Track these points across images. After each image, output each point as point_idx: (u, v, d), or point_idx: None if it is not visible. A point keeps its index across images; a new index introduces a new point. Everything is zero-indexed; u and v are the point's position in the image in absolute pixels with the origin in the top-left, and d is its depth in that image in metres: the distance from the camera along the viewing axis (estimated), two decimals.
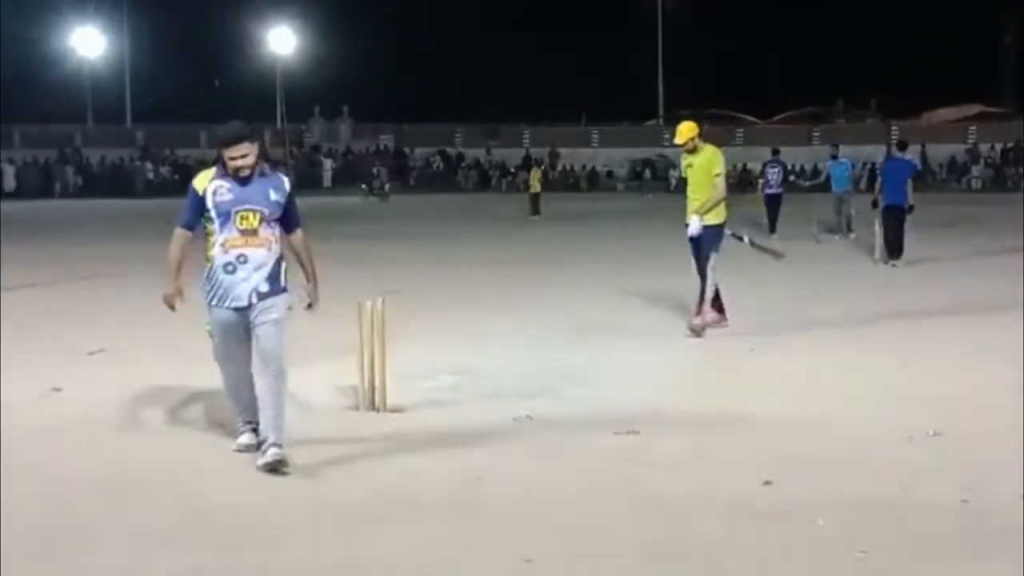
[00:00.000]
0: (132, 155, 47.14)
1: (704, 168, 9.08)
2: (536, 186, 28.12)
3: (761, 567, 4.05)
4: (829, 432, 5.92)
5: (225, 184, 5.29)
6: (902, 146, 16.19)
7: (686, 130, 9.16)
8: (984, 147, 46.10)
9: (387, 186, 40.09)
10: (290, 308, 5.42)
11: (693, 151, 9.16)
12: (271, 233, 5.35)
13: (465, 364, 7.78)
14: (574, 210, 29.00)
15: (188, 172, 46.48)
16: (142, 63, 50.15)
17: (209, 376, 7.38)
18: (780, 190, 20.07)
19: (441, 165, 48.46)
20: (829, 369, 7.74)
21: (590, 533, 4.41)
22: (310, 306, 5.59)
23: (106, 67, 51.01)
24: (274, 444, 5.21)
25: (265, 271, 5.32)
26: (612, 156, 47.85)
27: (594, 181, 46.91)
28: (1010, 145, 44.95)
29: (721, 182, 9.10)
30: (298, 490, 4.98)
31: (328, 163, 46.31)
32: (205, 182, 5.32)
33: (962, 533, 4.36)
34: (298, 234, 5.54)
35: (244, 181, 5.28)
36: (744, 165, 46.25)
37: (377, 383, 6.38)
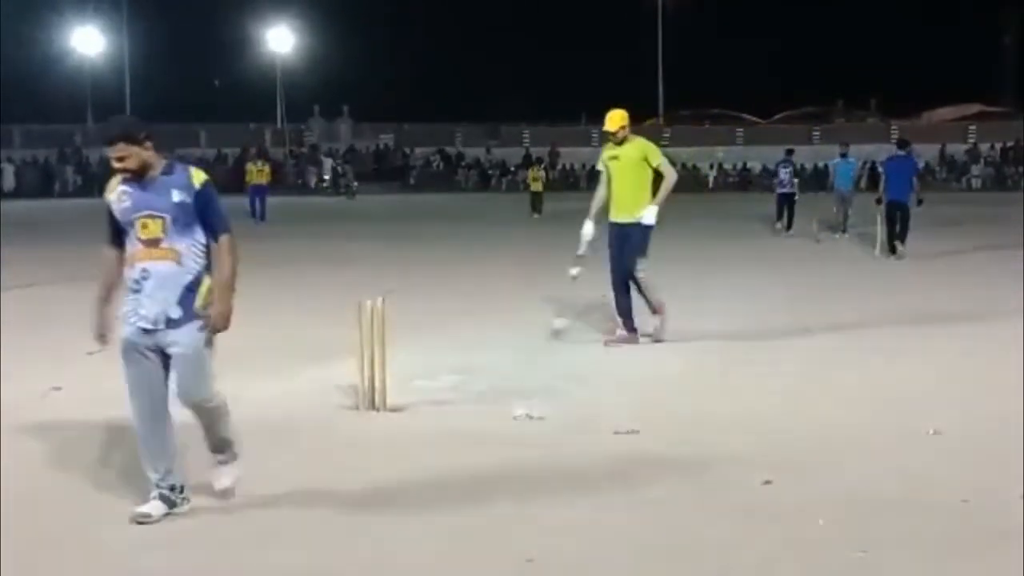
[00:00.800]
0: None
1: (635, 161, 8.51)
2: (536, 185, 27.89)
3: (761, 567, 4.05)
4: (829, 432, 5.91)
5: (127, 189, 4.51)
6: (903, 144, 16.49)
7: (618, 118, 8.55)
8: (984, 146, 46.12)
9: (355, 184, 39.71)
10: (210, 345, 4.55)
11: (621, 142, 8.60)
12: (183, 244, 4.47)
13: (465, 364, 7.77)
14: (575, 209, 28.97)
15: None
16: (142, 62, 50.22)
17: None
18: (790, 189, 20.41)
19: (441, 165, 48.50)
20: (829, 369, 7.74)
21: (590, 533, 4.40)
22: (209, 336, 4.52)
23: (106, 66, 51.05)
24: (221, 462, 4.75)
25: (174, 291, 4.46)
26: None
27: (594, 180, 46.91)
28: (1010, 144, 44.98)
29: (670, 168, 8.57)
30: (297, 490, 4.97)
31: (328, 162, 46.37)
32: (110, 191, 4.57)
33: (962, 533, 4.35)
34: (222, 241, 4.54)
35: (144, 183, 4.47)
36: (744, 164, 46.36)
37: (377, 383, 6.38)
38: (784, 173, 20.59)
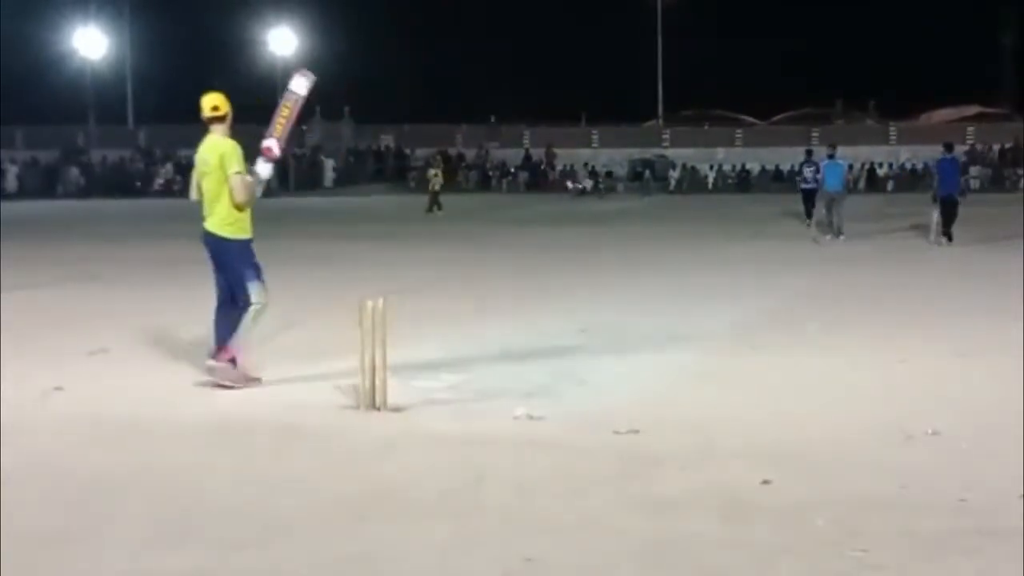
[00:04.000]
0: (134, 156, 47.26)
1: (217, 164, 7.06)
2: (436, 183, 28.79)
3: (761, 567, 4.06)
4: (829, 432, 5.93)
5: None
6: (949, 147, 18.93)
7: (222, 102, 7.05)
8: (982, 147, 46.10)
9: (270, 182, 39.87)
10: None
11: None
12: None
13: (465, 364, 7.79)
14: (574, 211, 29.02)
15: (189, 172, 47.00)
16: (144, 64, 50.27)
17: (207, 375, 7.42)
18: (814, 185, 21.78)
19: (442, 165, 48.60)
20: (829, 369, 7.75)
21: (590, 533, 4.42)
22: None
23: (108, 68, 51.08)
24: None
25: None
26: (612, 156, 47.91)
27: (594, 182, 46.95)
28: (1008, 145, 44.94)
29: (241, 181, 7.03)
30: (298, 489, 4.98)
31: (329, 163, 46.43)
32: None
33: (960, 532, 4.36)
34: None
35: None
36: (743, 165, 46.35)
37: (378, 382, 6.39)
38: (808, 171, 22.47)
